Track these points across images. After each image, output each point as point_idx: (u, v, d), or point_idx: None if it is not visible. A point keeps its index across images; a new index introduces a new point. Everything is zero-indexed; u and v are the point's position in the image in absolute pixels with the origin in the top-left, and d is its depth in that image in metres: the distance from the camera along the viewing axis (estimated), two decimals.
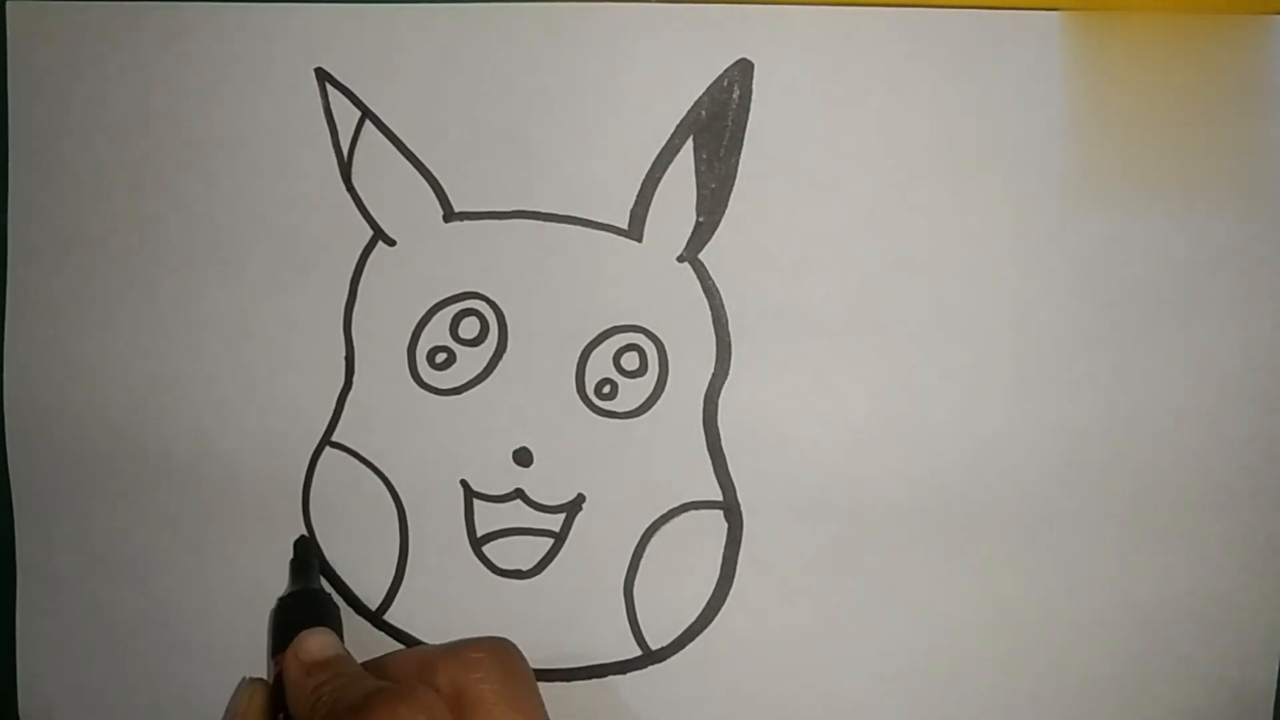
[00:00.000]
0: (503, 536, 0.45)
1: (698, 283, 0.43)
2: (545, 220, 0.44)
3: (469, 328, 0.44)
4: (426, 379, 0.45)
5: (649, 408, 0.44)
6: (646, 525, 0.45)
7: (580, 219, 0.43)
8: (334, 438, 0.46)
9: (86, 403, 0.46)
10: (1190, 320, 0.42)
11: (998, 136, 0.42)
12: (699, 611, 0.45)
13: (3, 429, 0.47)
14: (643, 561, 0.45)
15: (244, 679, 0.42)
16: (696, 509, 0.44)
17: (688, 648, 0.45)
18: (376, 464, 0.46)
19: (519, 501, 0.45)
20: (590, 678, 0.45)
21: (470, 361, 0.45)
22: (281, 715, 0.41)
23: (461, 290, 0.44)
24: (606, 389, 0.44)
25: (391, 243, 0.44)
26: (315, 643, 0.41)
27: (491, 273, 0.44)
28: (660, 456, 0.44)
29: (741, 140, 0.43)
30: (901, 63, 0.42)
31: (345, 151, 0.44)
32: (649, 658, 0.45)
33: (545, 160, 0.43)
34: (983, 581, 0.44)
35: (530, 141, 0.43)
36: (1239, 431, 0.43)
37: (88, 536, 0.47)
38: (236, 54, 0.44)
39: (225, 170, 0.45)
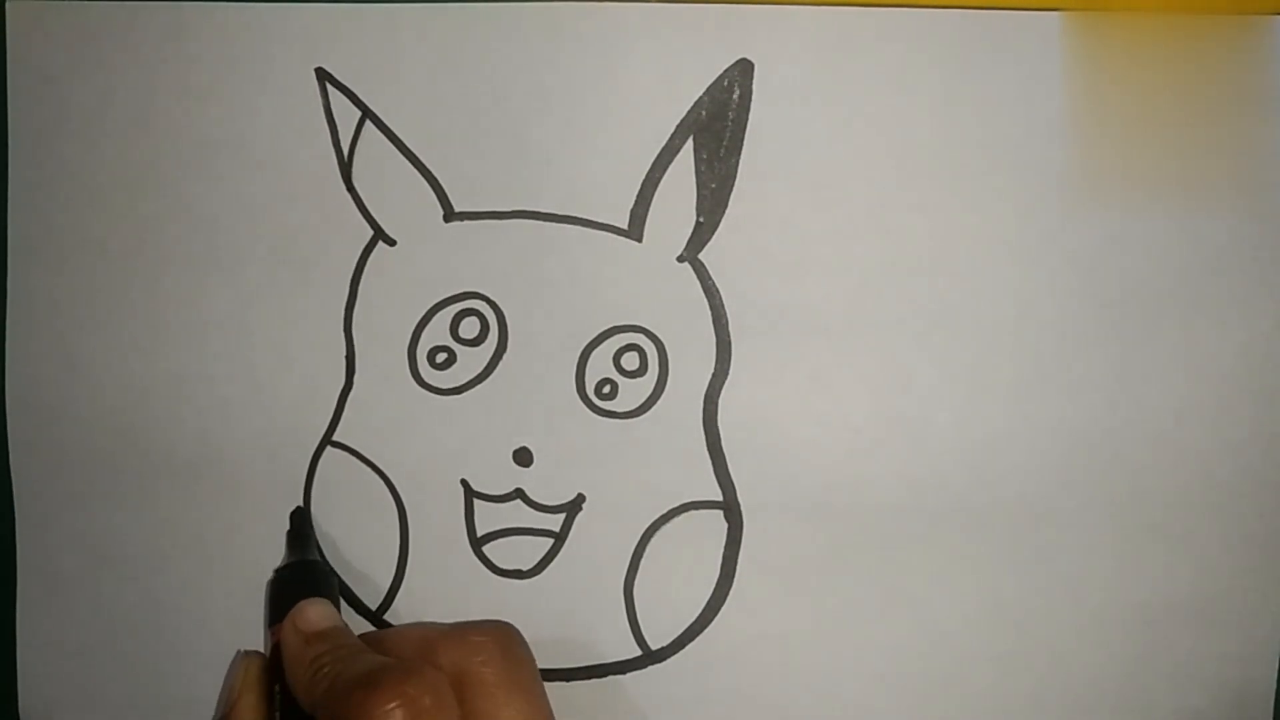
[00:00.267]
0: (503, 536, 0.45)
1: (698, 283, 0.43)
2: (545, 220, 0.44)
3: (469, 327, 0.44)
4: (427, 379, 0.45)
5: (649, 408, 0.44)
6: (646, 525, 0.45)
7: (580, 219, 0.43)
8: (334, 437, 0.46)
9: (87, 402, 0.46)
10: (1190, 320, 0.42)
11: (998, 136, 0.42)
12: (699, 611, 0.45)
13: (4, 428, 0.47)
14: (643, 561, 0.45)
15: (239, 651, 0.42)
16: (696, 509, 0.44)
17: (688, 648, 0.45)
18: (377, 463, 0.46)
19: (519, 501, 0.45)
20: (590, 678, 0.45)
21: (470, 361, 0.45)
22: (278, 686, 0.41)
23: (462, 290, 0.44)
24: (606, 389, 0.44)
25: (392, 243, 0.44)
26: (314, 612, 0.41)
27: (491, 273, 0.44)
28: (660, 456, 0.44)
29: (741, 140, 0.42)
30: (901, 63, 0.42)
31: (345, 151, 0.44)
32: (649, 658, 0.45)
33: (545, 160, 0.43)
34: (983, 581, 0.44)
35: (530, 141, 0.43)
36: (1239, 431, 0.43)
37: (88, 536, 0.47)
38: (236, 54, 0.44)
39: (225, 170, 0.45)
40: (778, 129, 0.42)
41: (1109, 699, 0.45)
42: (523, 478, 0.45)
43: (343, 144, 0.44)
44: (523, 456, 0.45)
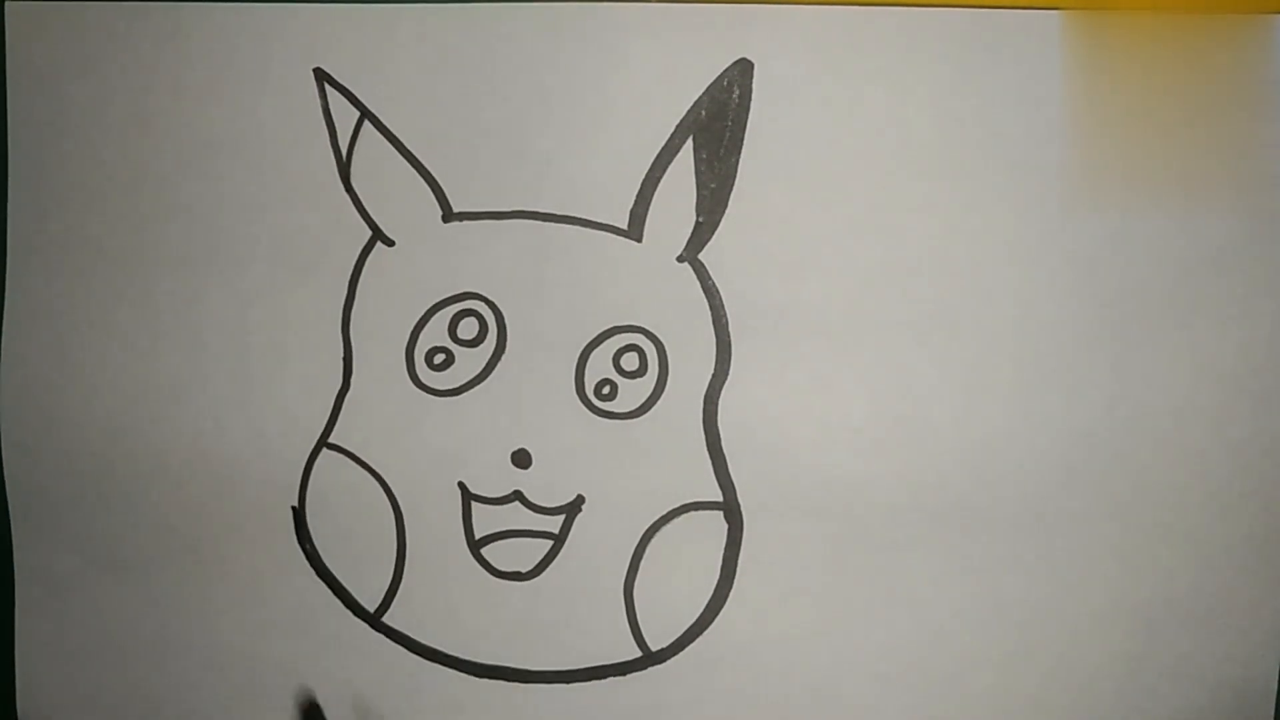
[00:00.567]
0: (501, 538, 0.45)
1: (698, 283, 0.43)
2: (545, 220, 0.44)
3: (468, 328, 0.44)
4: (425, 380, 0.45)
5: (649, 408, 0.44)
6: (646, 526, 0.45)
7: (580, 219, 0.43)
8: (331, 439, 0.45)
9: (84, 404, 0.46)
10: (1190, 320, 0.42)
11: (998, 136, 0.42)
12: (699, 612, 0.45)
13: (0, 431, 0.47)
14: (643, 562, 0.45)
15: None
16: (696, 510, 0.44)
17: (688, 648, 0.45)
18: (374, 466, 0.46)
19: (517, 503, 0.45)
20: (590, 679, 0.45)
21: (469, 362, 0.45)
22: None
23: (460, 291, 0.44)
24: (606, 389, 0.44)
25: (390, 243, 0.44)
26: None
27: (490, 273, 0.44)
28: (660, 457, 0.44)
29: (741, 140, 0.42)
30: (901, 63, 0.42)
31: (344, 152, 0.44)
32: (649, 659, 0.45)
33: (545, 160, 0.43)
34: (983, 581, 0.44)
35: (530, 141, 0.43)
36: (1239, 431, 0.43)
37: (85, 538, 0.47)
38: (236, 54, 0.44)
39: (223, 170, 0.45)
40: (778, 129, 0.42)
41: (1109, 699, 0.45)
42: (521, 479, 0.45)
43: (341, 144, 0.44)
44: (521, 458, 0.45)
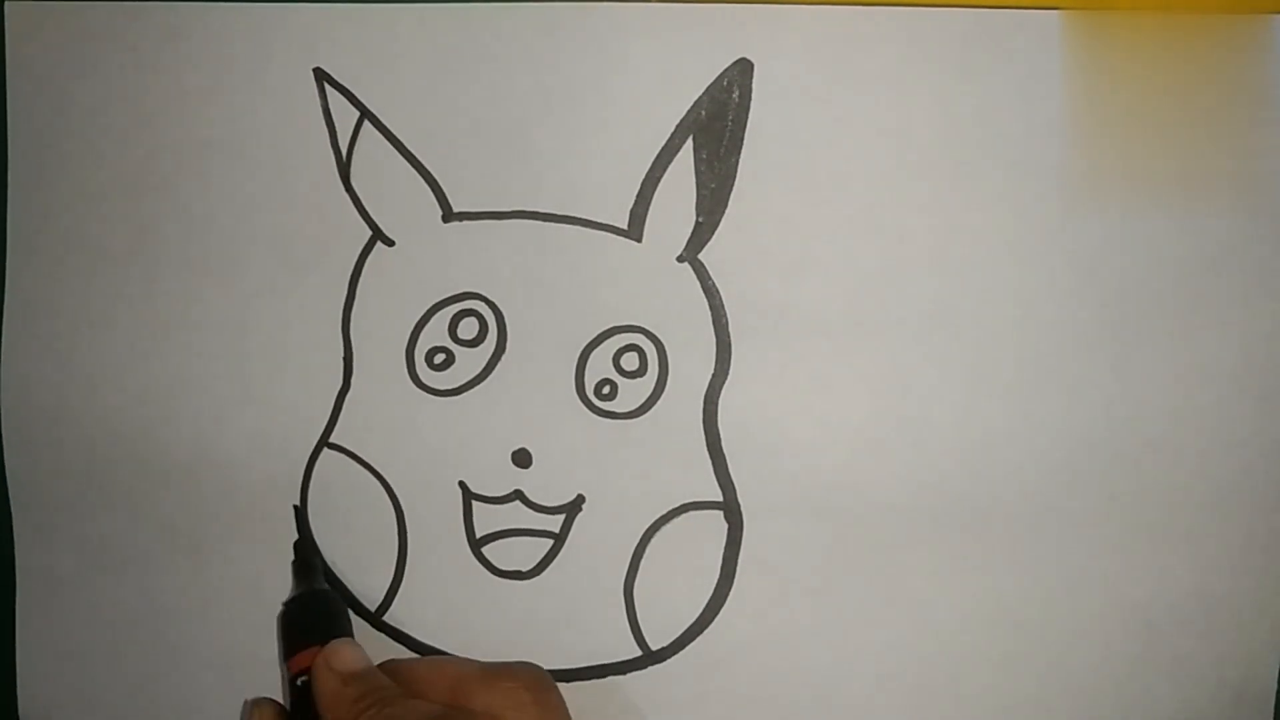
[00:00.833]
0: (502, 538, 0.45)
1: (698, 283, 0.43)
2: (545, 220, 0.43)
3: (468, 328, 0.44)
4: (425, 380, 0.45)
5: (649, 408, 0.44)
6: (646, 526, 0.45)
7: (580, 219, 0.43)
8: (332, 439, 0.45)
9: (85, 404, 0.46)
10: (1190, 320, 0.42)
11: (998, 136, 0.42)
12: (699, 612, 0.45)
13: (0, 429, 0.47)
14: (643, 562, 0.45)
15: (246, 701, 0.42)
16: (696, 509, 0.44)
17: (688, 648, 0.45)
18: (375, 465, 0.45)
19: (518, 503, 0.45)
20: (590, 678, 0.45)
21: (469, 362, 0.45)
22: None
23: (460, 291, 0.44)
24: (606, 389, 0.44)
25: (390, 243, 0.44)
26: (350, 653, 0.42)
27: (490, 273, 0.44)
28: (660, 457, 0.44)
29: (741, 140, 0.42)
30: (901, 63, 0.42)
31: (344, 152, 0.44)
32: (649, 658, 0.45)
33: (545, 160, 0.43)
34: (983, 582, 0.44)
35: (530, 141, 0.43)
36: (1239, 431, 0.43)
37: (86, 538, 0.47)
38: (235, 54, 0.44)
39: (224, 170, 0.45)
40: (778, 129, 0.42)
41: (1109, 699, 0.45)
42: (522, 479, 0.45)
43: (341, 144, 0.44)
44: (522, 458, 0.45)
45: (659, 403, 0.44)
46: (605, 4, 0.42)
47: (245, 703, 0.42)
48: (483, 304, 0.44)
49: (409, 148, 0.44)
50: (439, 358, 0.45)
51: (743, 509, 0.44)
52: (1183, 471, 0.43)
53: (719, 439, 0.44)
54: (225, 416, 0.46)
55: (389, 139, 0.44)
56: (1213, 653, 0.44)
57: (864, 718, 0.45)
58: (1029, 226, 0.42)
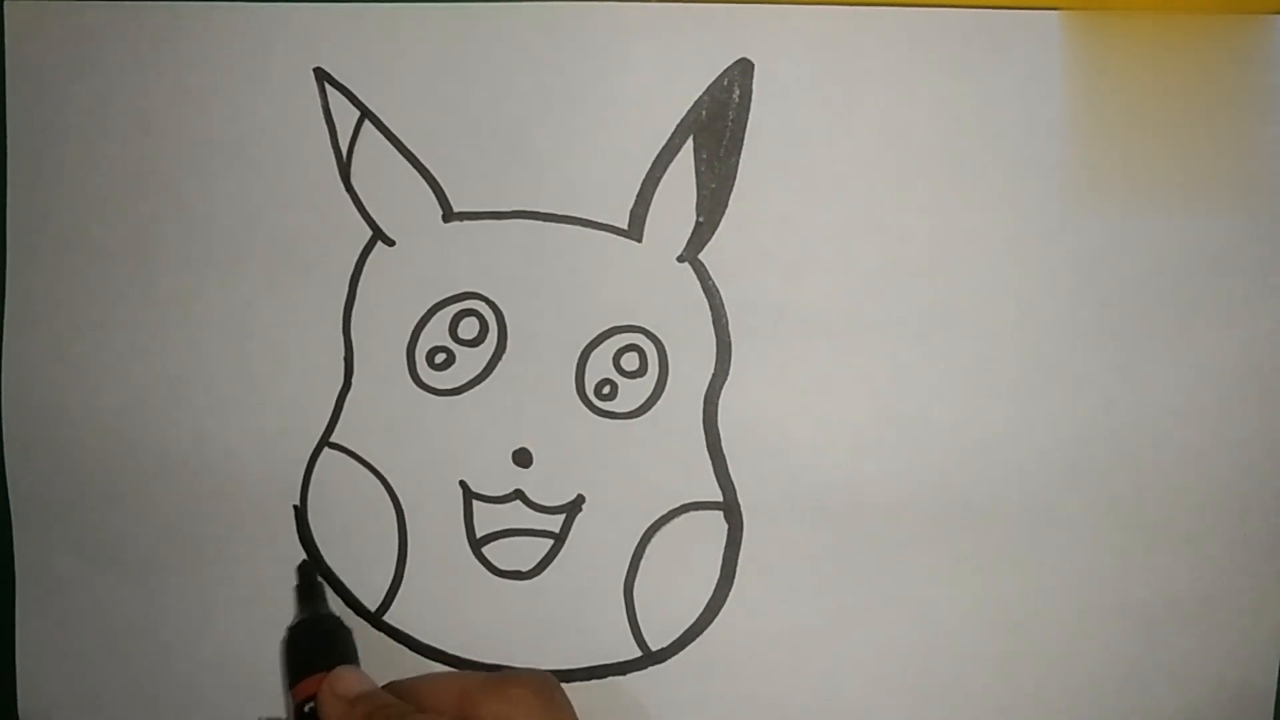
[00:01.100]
0: (502, 537, 0.45)
1: (698, 283, 0.43)
2: (545, 220, 0.43)
3: (468, 328, 0.44)
4: (425, 379, 0.45)
5: (649, 408, 0.44)
6: (646, 526, 0.45)
7: (580, 219, 0.43)
8: (332, 439, 0.45)
9: (85, 403, 0.46)
10: (1190, 320, 0.42)
11: (998, 136, 0.42)
12: (699, 612, 0.45)
13: (0, 429, 0.47)
14: (643, 562, 0.45)
15: None
16: (696, 509, 0.44)
17: (688, 648, 0.45)
18: (375, 465, 0.46)
19: (518, 502, 0.45)
20: (590, 678, 0.45)
21: (469, 362, 0.45)
22: None
23: (461, 290, 0.44)
24: (606, 389, 0.44)
25: (391, 243, 0.44)
26: (353, 678, 0.42)
27: (491, 273, 0.44)
28: (660, 457, 0.44)
29: (741, 140, 0.42)
30: (901, 63, 0.42)
31: (344, 151, 0.44)
32: (649, 658, 0.45)
33: (545, 160, 0.43)
34: (983, 581, 0.44)
35: (530, 141, 0.43)
36: (1239, 431, 0.43)
37: (86, 537, 0.47)
38: (236, 54, 0.44)
39: (223, 170, 0.45)
40: (778, 129, 0.42)
41: (1109, 699, 0.45)
42: (522, 478, 0.45)
43: (341, 144, 0.44)
44: (522, 457, 0.45)
45: (659, 403, 0.44)
46: (605, 4, 0.42)
47: None
48: (483, 304, 0.44)
49: (409, 148, 0.44)
50: (439, 357, 0.45)
51: (743, 509, 0.44)
52: (1183, 471, 0.43)
53: (719, 439, 0.44)
54: (225, 416, 0.46)
55: (389, 139, 0.44)
56: (1213, 653, 0.44)
57: (864, 718, 0.45)
58: (1029, 226, 0.42)
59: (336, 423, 0.45)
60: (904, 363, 0.43)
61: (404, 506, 0.46)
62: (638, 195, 0.43)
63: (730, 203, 0.43)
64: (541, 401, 0.44)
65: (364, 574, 0.46)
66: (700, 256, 0.43)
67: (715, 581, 0.45)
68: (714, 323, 0.44)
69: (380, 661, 0.44)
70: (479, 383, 0.45)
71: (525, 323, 0.44)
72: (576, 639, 0.45)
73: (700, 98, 0.42)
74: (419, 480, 0.45)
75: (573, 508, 0.45)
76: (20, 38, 0.45)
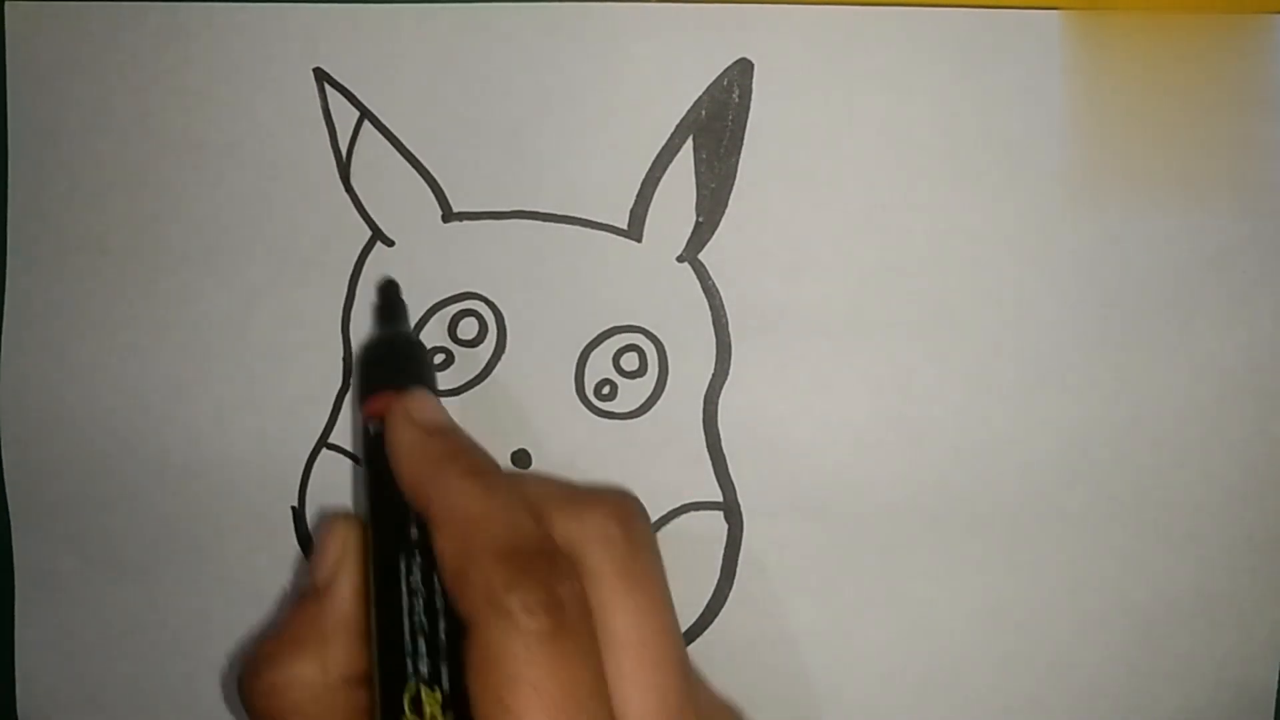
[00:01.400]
0: None
1: (698, 283, 0.43)
2: (545, 220, 0.43)
3: (467, 328, 0.44)
4: None
5: (649, 408, 0.44)
6: None
7: (580, 219, 0.43)
8: (331, 440, 0.45)
9: (83, 403, 0.46)
10: (1190, 320, 0.42)
11: (998, 136, 0.42)
12: (699, 613, 0.45)
13: (0, 429, 0.47)
14: None
15: (328, 517, 0.39)
16: (696, 510, 0.44)
17: (688, 649, 0.45)
18: None
19: None
20: None
21: (468, 362, 0.45)
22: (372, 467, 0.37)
23: (460, 291, 0.44)
24: (606, 390, 0.44)
25: (390, 243, 0.44)
26: (432, 403, 0.37)
27: (490, 273, 0.44)
28: (660, 457, 0.44)
29: (741, 140, 0.42)
30: (901, 63, 0.42)
31: (344, 152, 0.44)
32: None
33: (545, 160, 0.43)
34: (983, 581, 0.44)
35: (529, 141, 0.43)
36: (1239, 431, 0.43)
37: (85, 537, 0.47)
38: (235, 54, 0.44)
39: (223, 170, 0.45)
40: (778, 129, 0.42)
41: (1109, 699, 0.45)
42: None
43: (341, 144, 0.44)
44: (521, 458, 0.45)
45: (659, 403, 0.44)
46: (605, 4, 0.42)
47: (329, 518, 0.39)
48: (482, 304, 0.44)
49: (409, 148, 0.44)
50: (438, 358, 0.45)
51: (743, 509, 0.44)
52: (1183, 471, 0.43)
53: (719, 439, 0.44)
54: (225, 416, 0.46)
55: (389, 139, 0.44)
56: (1213, 653, 0.44)
57: (864, 718, 0.45)
58: (1029, 226, 0.42)
59: (335, 423, 0.45)
60: (904, 363, 0.43)
61: None
62: (638, 195, 0.43)
63: (730, 203, 0.43)
64: (541, 402, 0.44)
65: None
66: (700, 256, 0.43)
67: (715, 582, 0.45)
68: (714, 323, 0.44)
69: None
70: (478, 383, 0.45)
71: (524, 323, 0.44)
72: None
73: (700, 98, 0.42)
74: None
75: None
76: (20, 38, 0.45)
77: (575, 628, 0.32)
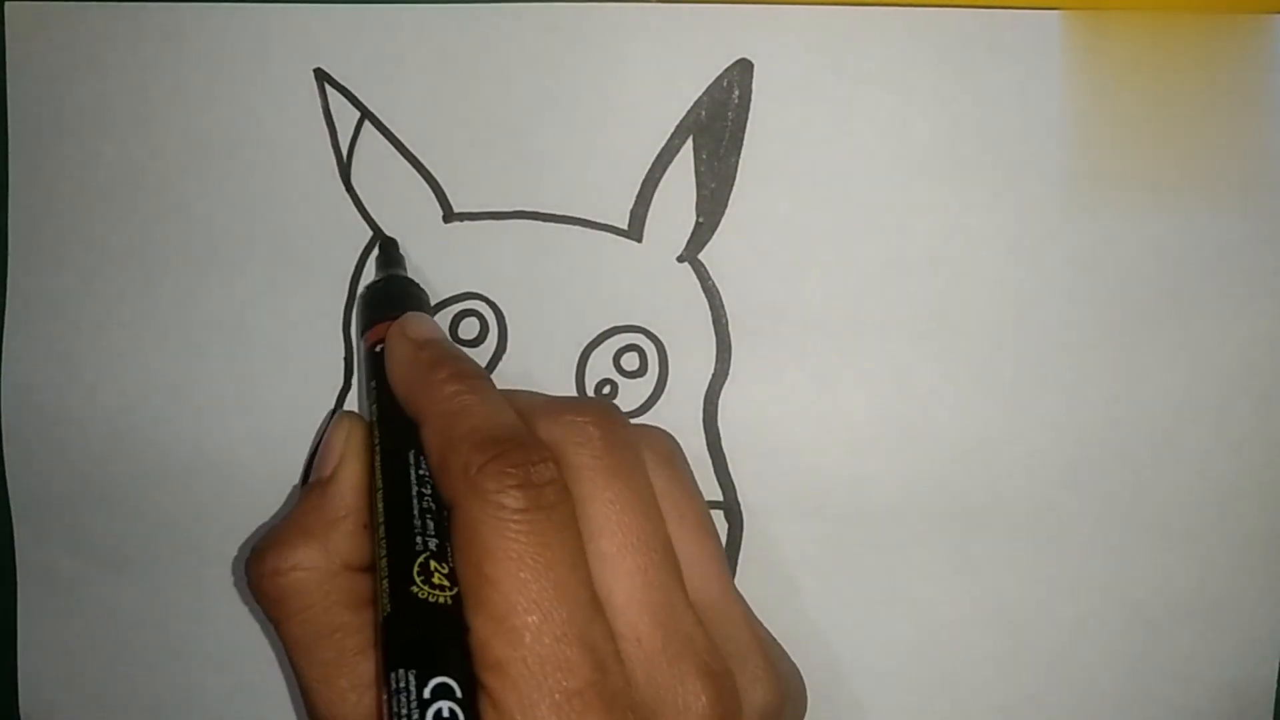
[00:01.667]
0: None
1: (698, 283, 0.43)
2: (545, 220, 0.43)
3: (468, 328, 0.44)
4: None
5: (649, 408, 0.44)
6: None
7: (580, 219, 0.43)
8: None
9: (84, 402, 0.46)
10: (1190, 320, 0.42)
11: (998, 136, 0.42)
12: None
13: (0, 429, 0.47)
14: None
15: (335, 416, 0.40)
16: None
17: None
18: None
19: None
20: None
21: None
22: (373, 382, 0.39)
23: (461, 291, 0.44)
24: (606, 389, 0.44)
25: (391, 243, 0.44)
26: (423, 322, 0.40)
27: (491, 273, 0.44)
28: None
29: (741, 140, 0.42)
30: (901, 63, 0.42)
31: (344, 152, 0.44)
32: None
33: (545, 160, 0.43)
34: (982, 581, 0.44)
35: (530, 141, 0.43)
36: (1240, 431, 0.43)
37: (87, 537, 0.47)
38: (235, 54, 0.44)
39: (224, 171, 0.45)
40: (778, 129, 0.42)
41: (1109, 699, 0.45)
42: None
43: (341, 144, 0.44)
44: None
45: (659, 403, 0.44)
46: (605, 4, 0.42)
47: (331, 416, 0.40)
48: (483, 304, 0.44)
49: (409, 148, 0.44)
50: None
51: (743, 509, 0.44)
52: (1183, 471, 0.43)
53: (719, 439, 0.44)
54: (225, 416, 0.46)
55: (389, 139, 0.44)
56: (1213, 653, 0.44)
57: (864, 717, 0.45)
58: (1029, 226, 0.42)
59: None
60: (904, 363, 0.43)
61: None
62: (638, 195, 0.43)
63: (730, 203, 0.43)
64: None
65: None
66: (700, 256, 0.43)
67: None
68: (714, 323, 0.44)
69: None
70: None
71: (525, 323, 0.44)
72: None
73: (700, 98, 0.42)
74: None
75: None
76: (20, 38, 0.45)
77: (552, 506, 0.33)
